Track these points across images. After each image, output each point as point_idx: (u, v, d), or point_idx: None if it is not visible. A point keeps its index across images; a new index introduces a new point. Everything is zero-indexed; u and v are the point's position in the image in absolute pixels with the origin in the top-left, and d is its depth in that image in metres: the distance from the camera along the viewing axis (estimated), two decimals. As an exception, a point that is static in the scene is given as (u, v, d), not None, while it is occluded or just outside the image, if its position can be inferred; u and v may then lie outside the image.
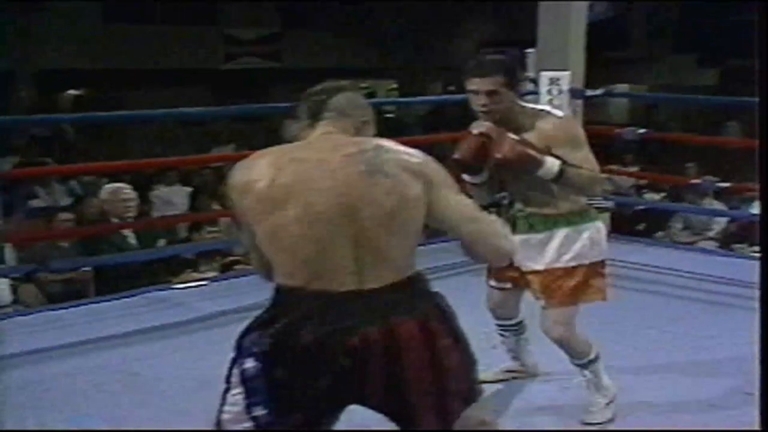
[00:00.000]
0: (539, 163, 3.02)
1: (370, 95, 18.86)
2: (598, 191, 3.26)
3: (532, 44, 6.71)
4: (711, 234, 8.75)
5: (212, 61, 17.12)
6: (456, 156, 3.08)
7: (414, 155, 2.14)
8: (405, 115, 17.61)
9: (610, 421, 3.35)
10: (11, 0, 14.23)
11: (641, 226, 9.09)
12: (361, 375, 2.03)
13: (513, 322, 3.59)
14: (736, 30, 15.93)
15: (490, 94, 3.05)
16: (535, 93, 6.42)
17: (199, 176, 9.63)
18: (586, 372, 3.34)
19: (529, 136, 3.08)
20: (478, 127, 3.09)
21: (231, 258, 6.73)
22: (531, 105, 3.34)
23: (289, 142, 2.24)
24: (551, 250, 3.21)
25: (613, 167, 9.35)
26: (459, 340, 2.14)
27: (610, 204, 8.05)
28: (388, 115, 16.91)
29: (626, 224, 8.63)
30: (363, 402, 2.10)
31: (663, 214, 9.13)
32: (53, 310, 4.93)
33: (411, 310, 2.05)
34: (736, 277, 5.14)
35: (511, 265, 3.18)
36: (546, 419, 3.43)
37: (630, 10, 17.00)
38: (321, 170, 2.06)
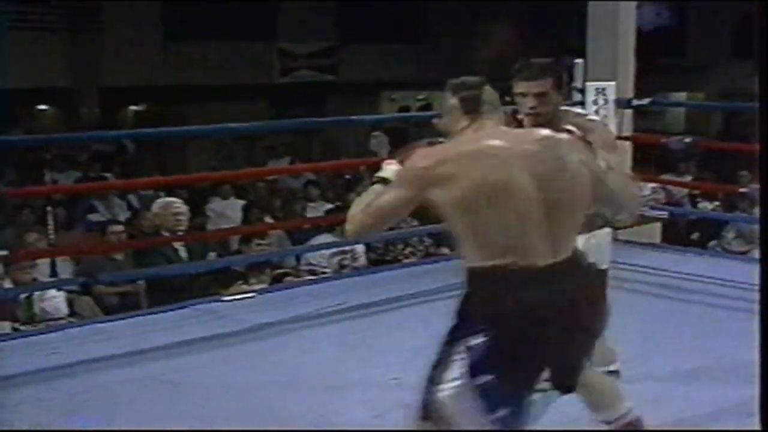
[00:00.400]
0: None
1: (426, 107, 18.90)
2: (633, 194, 3.25)
3: (584, 55, 6.72)
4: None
5: (268, 75, 17.29)
6: None
7: (577, 142, 2.47)
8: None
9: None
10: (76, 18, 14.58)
11: (695, 236, 9.00)
12: (559, 338, 2.30)
13: None
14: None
15: (538, 96, 3.13)
16: (582, 103, 6.42)
17: (253, 190, 9.77)
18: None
19: None
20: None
21: (280, 270, 6.82)
22: (571, 108, 3.42)
23: (440, 135, 2.41)
24: None
25: (666, 176, 9.28)
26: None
27: (663, 213, 8.02)
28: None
29: (679, 234, 8.57)
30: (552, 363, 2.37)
31: (716, 223, 9.01)
32: (104, 322, 5.05)
33: (583, 279, 2.36)
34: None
35: None
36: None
37: (685, 16, 16.82)
38: (519, 159, 2.26)
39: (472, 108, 2.39)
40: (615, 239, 6.42)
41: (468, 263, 2.31)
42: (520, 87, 3.17)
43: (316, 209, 8.77)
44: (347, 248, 7.05)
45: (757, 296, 5.17)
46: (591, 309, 2.39)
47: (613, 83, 6.38)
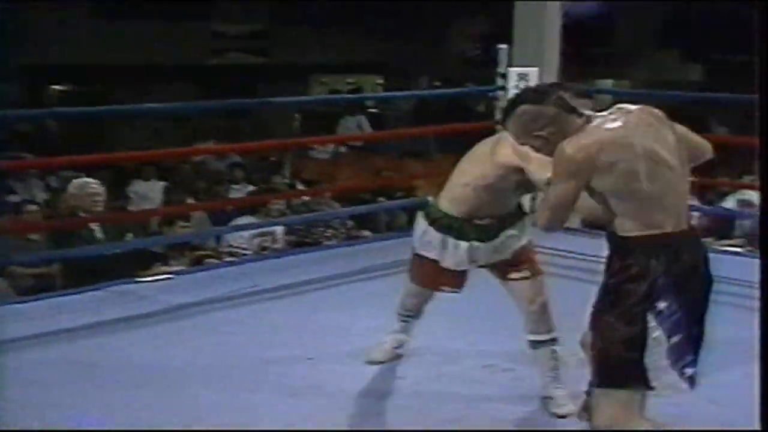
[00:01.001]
0: None
1: (357, 90, 18.92)
2: None
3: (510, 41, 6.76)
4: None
5: (200, 56, 17.13)
6: None
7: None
8: (391, 110, 17.62)
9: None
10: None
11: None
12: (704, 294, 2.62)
13: None
14: (720, 24, 16.02)
15: None
16: (503, 89, 6.46)
17: (177, 171, 9.68)
18: (556, 348, 3.49)
19: None
20: None
21: (200, 252, 6.77)
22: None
23: (567, 135, 2.54)
24: None
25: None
26: None
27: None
28: (372, 110, 16.91)
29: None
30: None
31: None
32: (18, 303, 4.96)
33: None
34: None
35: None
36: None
37: (613, 5, 17.04)
38: (650, 138, 2.53)
39: (569, 109, 2.59)
40: (535, 223, 6.56)
41: (628, 233, 2.54)
42: None
43: (240, 191, 8.72)
44: (267, 230, 7.04)
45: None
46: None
47: (535, 69, 6.42)
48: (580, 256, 5.69)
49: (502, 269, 3.52)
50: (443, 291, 3.64)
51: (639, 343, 2.51)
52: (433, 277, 3.57)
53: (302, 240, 7.37)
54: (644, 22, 16.64)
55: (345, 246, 6.65)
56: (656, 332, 2.51)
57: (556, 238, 5.91)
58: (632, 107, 2.63)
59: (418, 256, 3.57)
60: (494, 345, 4.07)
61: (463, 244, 3.44)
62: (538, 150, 2.68)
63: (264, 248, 7.02)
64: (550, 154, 2.61)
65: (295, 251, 6.58)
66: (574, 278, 5.34)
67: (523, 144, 2.71)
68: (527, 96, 2.65)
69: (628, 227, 2.54)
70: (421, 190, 9.57)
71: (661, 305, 2.51)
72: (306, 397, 3.60)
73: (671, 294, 2.52)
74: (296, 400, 3.58)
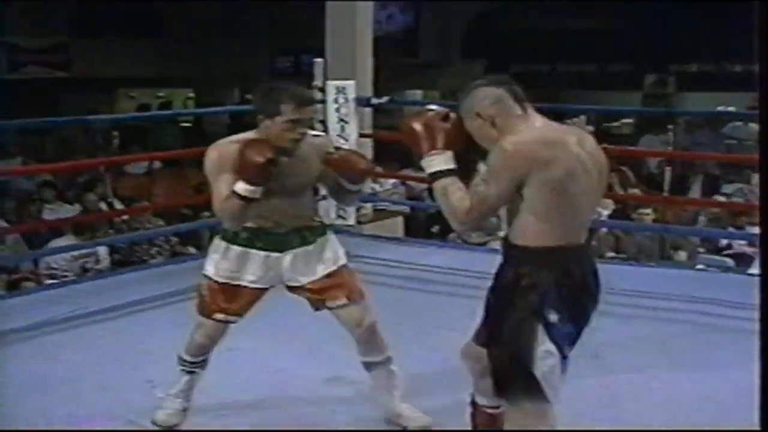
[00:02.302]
0: None
1: (166, 105, 18.59)
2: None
3: (324, 51, 6.86)
4: (501, 234, 9.11)
5: (-5, 70, 16.43)
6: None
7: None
8: (204, 124, 17.40)
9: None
10: None
11: (435, 229, 9.40)
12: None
13: None
14: (519, 37, 16.76)
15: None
16: (323, 102, 6.56)
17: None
18: (392, 367, 3.46)
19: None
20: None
21: (17, 276, 6.53)
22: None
23: (506, 125, 2.59)
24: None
25: (407, 172, 9.63)
26: None
27: (404, 208, 8.34)
28: (185, 125, 16.67)
29: (420, 227, 8.92)
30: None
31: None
32: None
33: None
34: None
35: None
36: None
37: (418, 17, 17.50)
38: (582, 147, 2.58)
39: (521, 98, 2.63)
40: (360, 234, 6.69)
41: (533, 242, 2.57)
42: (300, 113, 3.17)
43: (55, 211, 8.43)
44: (89, 251, 6.86)
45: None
46: None
47: (352, 82, 6.56)
48: (408, 265, 5.87)
49: (316, 296, 3.37)
50: (220, 320, 3.35)
51: (529, 355, 2.53)
52: (217, 303, 3.32)
53: (126, 259, 7.22)
54: (449, 34, 17.18)
55: (171, 264, 6.56)
56: (546, 344, 2.54)
57: (385, 248, 6.12)
58: None
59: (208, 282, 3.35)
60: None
61: (260, 254, 3.30)
62: (474, 135, 2.64)
63: (86, 269, 6.83)
64: (483, 142, 2.61)
65: (121, 271, 6.45)
66: (406, 288, 5.51)
67: (467, 126, 2.66)
68: (485, 80, 2.68)
69: (529, 236, 2.56)
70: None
71: (553, 318, 2.54)
72: (145, 423, 3.53)
73: (562, 307, 2.55)
74: (133, 427, 3.53)
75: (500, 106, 2.60)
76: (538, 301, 2.55)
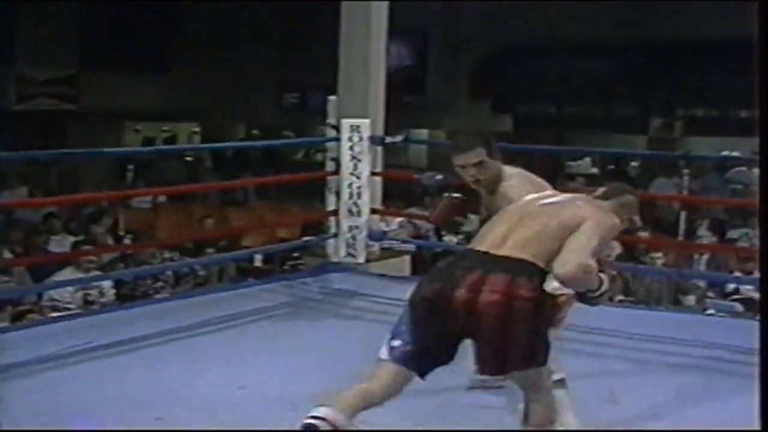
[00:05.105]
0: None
1: (171, 139, 18.61)
2: None
3: (333, 87, 6.84)
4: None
5: (4, 101, 16.43)
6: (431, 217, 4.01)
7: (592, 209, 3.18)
8: (206, 158, 17.42)
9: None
10: None
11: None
12: None
13: None
14: (525, 80, 16.79)
15: (476, 165, 3.50)
16: (337, 140, 6.54)
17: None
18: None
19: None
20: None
21: (21, 307, 6.46)
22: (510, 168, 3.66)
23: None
24: None
25: (413, 210, 9.59)
26: None
27: (411, 247, 8.28)
28: (187, 159, 16.67)
29: (427, 266, 8.86)
30: None
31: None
32: None
33: None
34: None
35: None
36: None
37: (426, 56, 17.54)
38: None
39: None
40: (367, 272, 6.64)
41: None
42: (457, 161, 3.51)
43: (60, 243, 8.39)
44: (93, 284, 6.80)
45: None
46: None
47: (367, 121, 6.55)
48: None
49: None
50: None
51: None
52: None
53: (131, 293, 7.16)
54: (456, 73, 17.20)
55: (177, 299, 6.49)
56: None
57: (392, 287, 6.04)
58: None
59: None
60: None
61: None
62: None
63: (90, 302, 6.77)
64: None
65: (126, 305, 6.38)
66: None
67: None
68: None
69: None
70: (247, 239, 9.52)
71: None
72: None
73: None
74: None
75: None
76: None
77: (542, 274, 2.92)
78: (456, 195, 3.71)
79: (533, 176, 3.65)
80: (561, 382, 3.49)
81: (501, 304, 2.82)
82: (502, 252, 2.94)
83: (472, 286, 2.85)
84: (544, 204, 3.15)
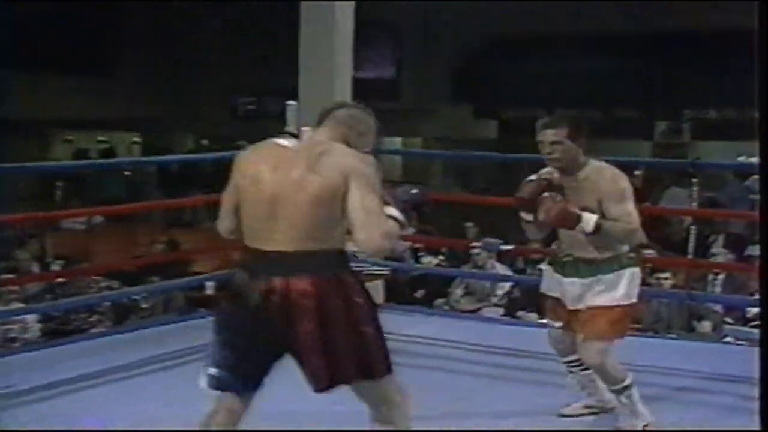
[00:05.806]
0: (576, 222, 3.94)
1: (108, 151, 18.51)
2: (633, 242, 4.09)
3: (293, 92, 6.79)
4: (495, 300, 9.03)
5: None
6: (517, 196, 4.08)
7: (347, 159, 3.02)
8: (147, 173, 17.29)
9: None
10: None
11: (419, 293, 9.28)
12: None
13: (573, 357, 4.28)
14: (512, 81, 16.82)
15: (553, 144, 4.01)
16: (296, 148, 6.47)
17: None
18: (622, 398, 4.11)
19: (583, 186, 4.02)
20: (542, 174, 4.08)
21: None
22: (593, 159, 4.16)
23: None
24: (593, 293, 4.05)
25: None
26: None
27: (385, 270, 8.20)
28: (127, 173, 16.53)
29: (403, 292, 8.81)
30: None
31: (442, 279, 9.35)
32: None
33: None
34: (521, 347, 5.35)
35: (563, 306, 4.14)
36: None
37: (400, 60, 17.57)
38: (278, 162, 3.04)
39: (319, 121, 3.21)
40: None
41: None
42: (538, 136, 4.05)
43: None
44: (15, 318, 6.72)
45: (497, 359, 5.43)
46: None
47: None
48: (392, 336, 5.72)
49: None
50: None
51: None
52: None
53: (62, 327, 7.06)
54: (434, 76, 17.22)
55: (116, 334, 6.39)
56: None
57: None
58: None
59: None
60: None
61: None
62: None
63: (11, 339, 6.67)
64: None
65: (54, 342, 6.26)
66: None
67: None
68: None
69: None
70: (199, 265, 9.41)
71: None
72: None
73: None
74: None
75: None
76: None
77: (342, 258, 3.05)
78: (545, 177, 4.07)
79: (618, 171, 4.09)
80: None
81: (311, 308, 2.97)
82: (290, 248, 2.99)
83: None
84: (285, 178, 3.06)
